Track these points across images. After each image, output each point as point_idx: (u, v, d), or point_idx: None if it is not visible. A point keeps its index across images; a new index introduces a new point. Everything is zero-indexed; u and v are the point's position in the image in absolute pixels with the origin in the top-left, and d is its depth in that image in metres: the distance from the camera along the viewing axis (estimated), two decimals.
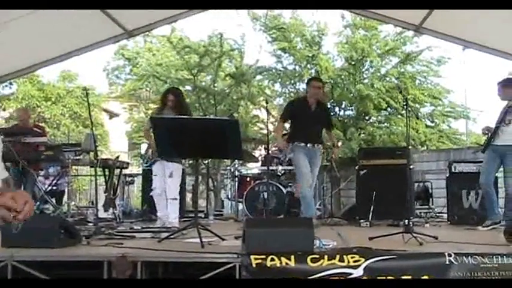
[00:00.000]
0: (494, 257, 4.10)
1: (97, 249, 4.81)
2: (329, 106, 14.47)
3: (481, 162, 7.59)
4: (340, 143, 7.13)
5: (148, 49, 21.43)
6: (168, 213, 7.17)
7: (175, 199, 7.15)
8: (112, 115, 25.08)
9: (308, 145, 7.38)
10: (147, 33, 17.93)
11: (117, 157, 9.00)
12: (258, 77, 16.35)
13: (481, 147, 7.62)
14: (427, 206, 9.74)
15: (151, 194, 7.44)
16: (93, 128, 6.70)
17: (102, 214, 7.86)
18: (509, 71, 15.76)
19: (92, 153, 7.98)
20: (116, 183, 9.19)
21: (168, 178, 7.12)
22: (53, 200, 9.30)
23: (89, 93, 6.31)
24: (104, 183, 8.71)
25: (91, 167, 8.87)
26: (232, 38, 15.97)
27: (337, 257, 4.06)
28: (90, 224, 7.17)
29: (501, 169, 7.25)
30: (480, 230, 7.01)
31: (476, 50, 9.20)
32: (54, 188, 9.45)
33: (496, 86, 7.30)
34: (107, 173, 8.72)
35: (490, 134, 7.24)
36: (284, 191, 9.07)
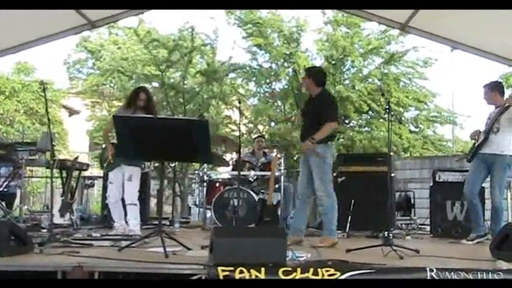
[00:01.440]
0: (478, 272, 4.12)
1: (51, 258, 4.74)
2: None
3: (467, 171, 7.65)
4: (309, 143, 6.70)
5: (113, 42, 21.29)
6: (125, 223, 7.16)
7: (135, 205, 7.12)
8: (72, 112, 24.83)
9: (301, 143, 6.98)
10: (112, 24, 17.85)
11: (76, 158, 8.91)
12: (231, 75, 16.34)
13: (466, 155, 7.68)
14: (408, 217, 9.79)
15: (106, 201, 7.49)
16: (51, 126, 6.59)
17: (57, 220, 7.77)
18: (499, 75, 16.01)
19: (48, 153, 7.89)
20: (74, 186, 9.10)
21: (127, 182, 7.11)
22: (3, 204, 9.17)
23: (47, 87, 6.24)
24: (60, 186, 8.61)
25: (47, 168, 8.78)
26: (204, 33, 15.92)
27: (311, 270, 4.05)
28: (44, 231, 7.10)
29: (488, 179, 7.32)
30: (464, 243, 7.07)
31: (465, 52, 9.28)
32: (5, 190, 9.31)
33: (482, 89, 7.37)
34: (64, 175, 8.61)
35: (477, 141, 7.30)
36: (256, 198, 9.06)
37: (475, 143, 7.37)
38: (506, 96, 7.23)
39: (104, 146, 7.87)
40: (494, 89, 7.31)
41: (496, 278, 4.11)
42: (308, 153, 6.70)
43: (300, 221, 6.89)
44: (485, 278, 4.10)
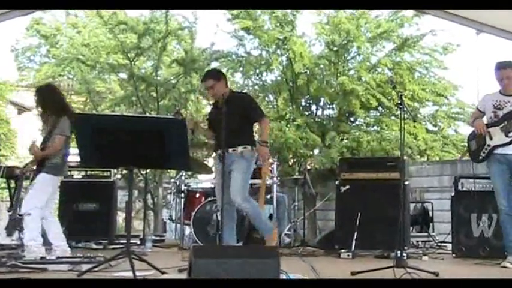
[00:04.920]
0: None
1: None
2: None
3: None
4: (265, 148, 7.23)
5: (71, 25, 21.23)
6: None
7: (28, 214, 7.16)
8: (22, 109, 24.77)
9: (219, 151, 7.35)
10: None
11: (27, 164, 8.87)
12: (214, 64, 16.30)
13: (472, 153, 7.58)
14: (426, 234, 9.83)
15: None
16: None
17: (3, 239, 7.73)
18: None
19: None
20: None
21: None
22: None
23: None
24: (8, 199, 8.57)
25: None
26: (181, 14, 15.92)
27: None
28: None
29: None
30: (509, 266, 6.81)
31: (493, 35, 9.28)
32: None
33: (503, 69, 7.20)
34: (12, 186, 8.57)
35: (490, 138, 7.16)
36: None
37: (484, 139, 7.26)
38: None
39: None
40: None
41: None
42: (233, 158, 7.32)
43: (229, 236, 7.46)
44: None
